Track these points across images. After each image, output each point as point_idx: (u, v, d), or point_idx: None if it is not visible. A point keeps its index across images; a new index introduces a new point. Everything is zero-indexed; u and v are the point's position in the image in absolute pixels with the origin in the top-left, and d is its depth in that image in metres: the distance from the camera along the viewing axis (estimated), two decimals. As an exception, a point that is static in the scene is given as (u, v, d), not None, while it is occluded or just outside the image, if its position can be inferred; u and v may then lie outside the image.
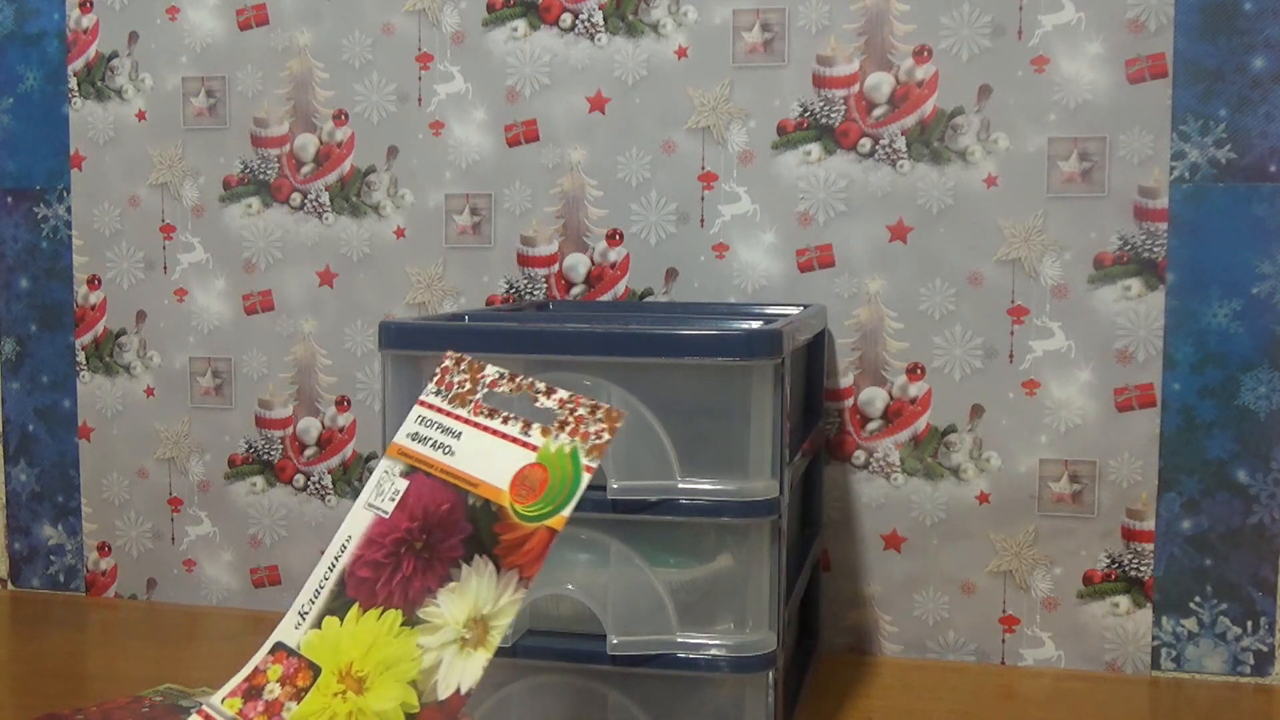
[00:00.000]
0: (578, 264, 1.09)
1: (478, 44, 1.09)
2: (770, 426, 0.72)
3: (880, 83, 1.01)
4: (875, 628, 1.05)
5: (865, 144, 1.02)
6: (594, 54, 1.07)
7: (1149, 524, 0.99)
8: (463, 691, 0.42)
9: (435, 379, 0.49)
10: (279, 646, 0.45)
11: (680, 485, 0.71)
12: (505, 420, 0.47)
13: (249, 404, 1.16)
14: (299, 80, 1.14)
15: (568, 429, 0.45)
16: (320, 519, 1.15)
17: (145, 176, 1.18)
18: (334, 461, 1.15)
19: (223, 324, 1.17)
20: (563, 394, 0.46)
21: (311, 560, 1.15)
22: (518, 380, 0.47)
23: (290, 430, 1.16)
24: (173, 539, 1.19)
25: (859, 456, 1.04)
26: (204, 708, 0.43)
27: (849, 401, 1.04)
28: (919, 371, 1.02)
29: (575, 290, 1.09)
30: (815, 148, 1.03)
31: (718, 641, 0.72)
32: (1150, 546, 0.99)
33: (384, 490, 0.47)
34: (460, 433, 0.47)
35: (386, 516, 0.47)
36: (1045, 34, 0.98)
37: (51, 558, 1.22)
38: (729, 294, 1.05)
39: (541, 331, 0.72)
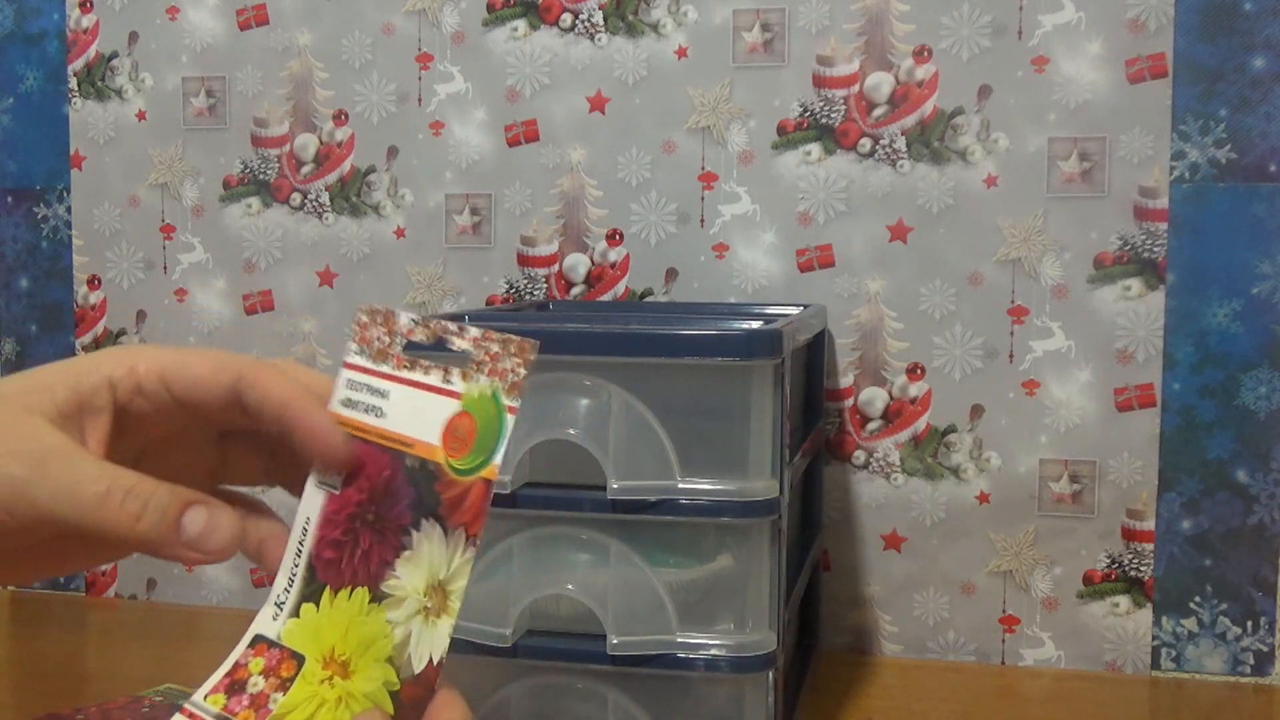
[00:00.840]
0: (578, 264, 1.09)
1: (478, 44, 1.09)
2: (770, 426, 0.72)
3: (880, 83, 1.01)
4: (875, 628, 1.05)
5: (865, 144, 1.02)
6: (594, 54, 1.07)
7: (1149, 524, 0.99)
8: (435, 662, 0.41)
9: (355, 337, 0.46)
10: (258, 639, 0.43)
11: (680, 485, 0.71)
12: (426, 370, 0.44)
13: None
14: (299, 80, 1.14)
15: (485, 369, 0.42)
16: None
17: (145, 176, 1.18)
18: (334, 461, 1.15)
19: (223, 324, 1.16)
20: (474, 331, 0.43)
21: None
22: (430, 324, 0.45)
23: None
24: (173, 539, 1.19)
25: (859, 456, 1.04)
26: (186, 706, 0.42)
27: (849, 401, 1.04)
28: (919, 371, 1.02)
29: (575, 290, 1.09)
30: (815, 148, 1.03)
31: (718, 641, 0.72)
32: (1150, 546, 0.99)
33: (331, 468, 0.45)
34: (387, 391, 0.44)
35: (337, 492, 0.45)
36: (1045, 34, 0.98)
37: (51, 558, 1.22)
38: (729, 294, 1.05)
39: (541, 331, 0.72)
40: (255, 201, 1.15)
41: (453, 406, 0.43)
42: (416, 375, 0.44)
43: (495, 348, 0.42)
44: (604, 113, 1.07)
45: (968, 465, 1.02)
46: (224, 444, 0.47)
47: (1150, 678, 0.99)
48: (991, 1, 0.99)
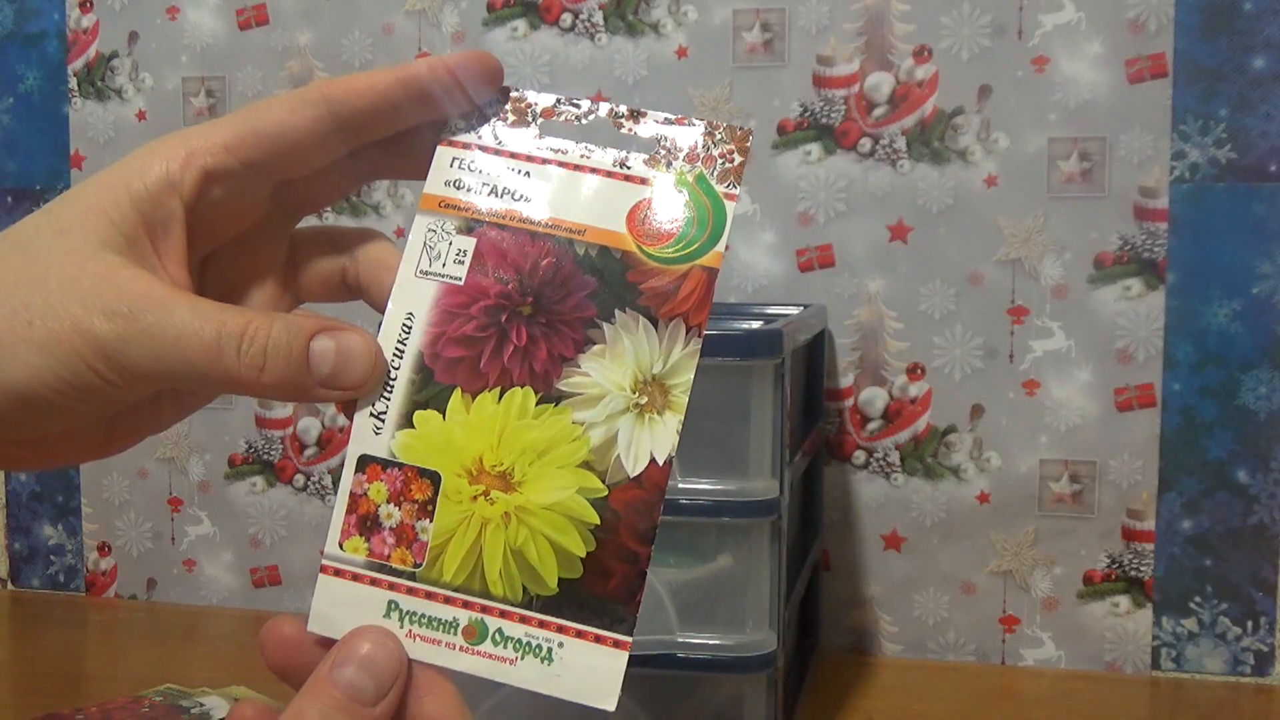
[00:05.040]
0: (578, 264, 1.08)
1: (478, 44, 1.09)
2: (770, 426, 0.72)
3: (880, 83, 1.01)
4: (875, 628, 1.05)
5: (865, 144, 1.02)
6: (594, 54, 1.07)
7: (1149, 524, 0.99)
8: (660, 460, 0.36)
9: (464, 116, 0.39)
10: (367, 460, 0.37)
11: (680, 485, 0.71)
12: (588, 152, 0.38)
13: (249, 404, 1.16)
14: (299, 80, 1.14)
15: (682, 155, 0.38)
16: (320, 519, 1.15)
17: (145, 176, 1.18)
18: (334, 461, 1.15)
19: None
20: (657, 114, 0.38)
21: (312, 560, 1.15)
22: (584, 105, 0.39)
23: (290, 430, 1.16)
24: (173, 539, 1.19)
25: (859, 456, 1.04)
26: (326, 563, 0.36)
27: (849, 401, 1.04)
28: (919, 371, 1.02)
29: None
30: (815, 148, 1.03)
31: (718, 641, 0.72)
32: (1150, 546, 0.99)
33: (439, 253, 0.39)
34: (526, 171, 0.39)
35: (459, 283, 0.38)
36: (1045, 34, 0.98)
37: (51, 558, 1.22)
38: (729, 294, 1.05)
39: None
40: (255, 201, 1.15)
41: (639, 193, 0.39)
42: (573, 158, 0.39)
43: (696, 134, 0.38)
44: (604, 113, 1.07)
45: (968, 465, 1.02)
46: (294, 250, 0.41)
47: (1150, 678, 0.99)
48: (991, 1, 0.99)
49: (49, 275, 0.34)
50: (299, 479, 1.15)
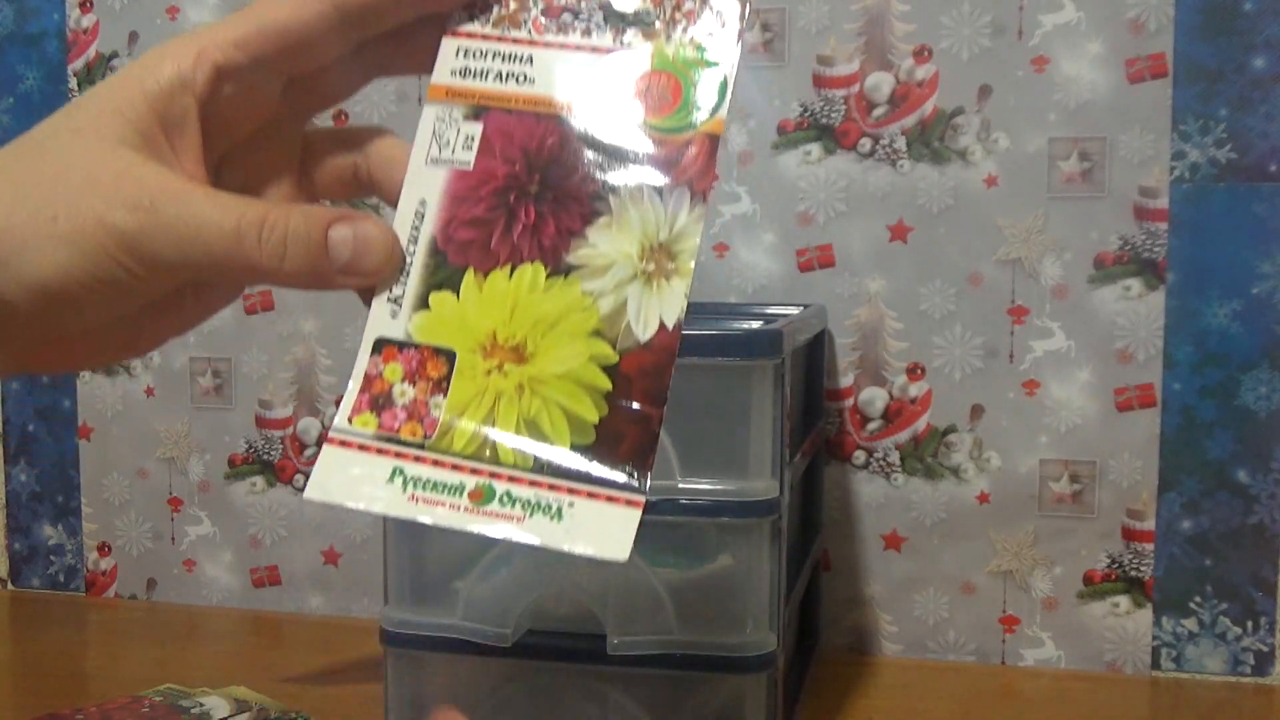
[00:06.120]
0: (578, 264, 1.08)
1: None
2: (770, 426, 0.72)
3: (880, 83, 1.01)
4: (875, 628, 1.05)
5: (865, 144, 1.02)
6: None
7: (1149, 524, 0.99)
8: (669, 325, 0.36)
9: (467, 8, 0.40)
10: (383, 343, 0.38)
11: (680, 485, 0.71)
12: (587, 32, 0.40)
13: (249, 404, 1.16)
14: (299, 80, 1.13)
15: (679, 26, 0.39)
16: (320, 519, 1.15)
17: (145, 176, 1.18)
18: (334, 461, 1.15)
19: (223, 324, 1.16)
20: None
21: (312, 560, 1.15)
22: None
23: (290, 430, 1.16)
24: (173, 539, 1.19)
25: (859, 456, 1.04)
26: (333, 435, 0.37)
27: (849, 401, 1.04)
28: (919, 371, 1.02)
29: (575, 290, 1.09)
30: (815, 148, 1.03)
31: (718, 641, 0.72)
32: (1150, 546, 0.99)
33: (448, 141, 0.40)
34: (529, 56, 0.40)
35: (468, 168, 0.39)
36: (1045, 34, 0.98)
37: (51, 558, 1.22)
38: (729, 294, 1.05)
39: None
40: (255, 201, 1.15)
41: (639, 66, 0.39)
42: (574, 39, 0.40)
43: (690, 4, 0.39)
44: (604, 113, 1.07)
45: (968, 465, 1.02)
46: (307, 149, 0.43)
47: (1150, 678, 0.99)
48: (991, 1, 0.99)
49: (68, 173, 0.35)
50: (299, 479, 1.15)
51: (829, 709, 0.91)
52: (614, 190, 0.38)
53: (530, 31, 0.40)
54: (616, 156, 0.38)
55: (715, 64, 0.40)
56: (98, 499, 1.21)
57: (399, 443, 0.37)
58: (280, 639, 1.10)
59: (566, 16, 0.41)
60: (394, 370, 0.38)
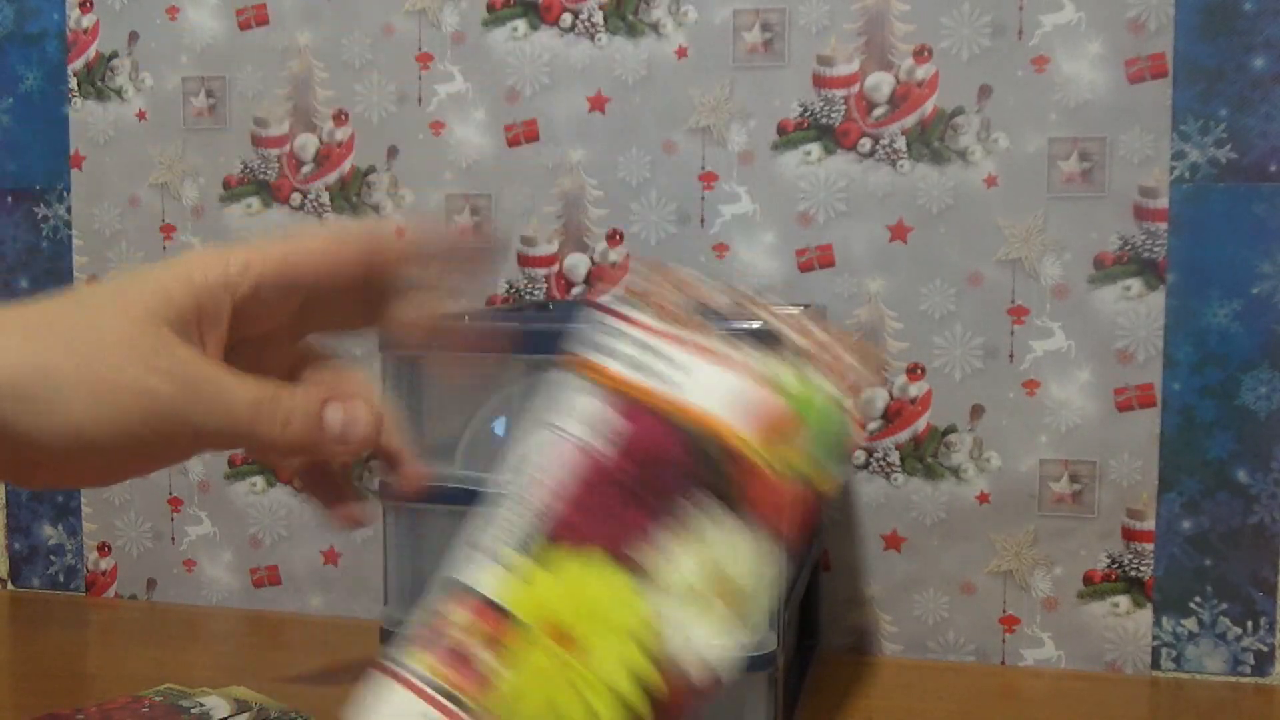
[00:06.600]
0: (578, 264, 1.09)
1: (478, 44, 1.09)
2: (770, 427, 0.72)
3: (880, 83, 1.01)
4: (875, 628, 1.05)
5: (865, 144, 1.02)
6: (594, 54, 1.07)
7: (1149, 524, 0.99)
8: (701, 666, 0.36)
9: (635, 293, 0.41)
10: (463, 589, 0.37)
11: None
12: (734, 345, 0.40)
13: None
14: (299, 80, 1.14)
15: (823, 368, 0.39)
16: (320, 519, 1.15)
17: (145, 176, 1.18)
18: (334, 461, 1.15)
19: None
20: (811, 326, 0.39)
21: (312, 560, 1.15)
22: (741, 298, 0.41)
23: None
24: (173, 539, 1.19)
25: (859, 456, 1.04)
26: (390, 665, 0.37)
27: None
28: (919, 371, 1.02)
29: (576, 290, 1.09)
30: (815, 148, 1.03)
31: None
32: (1150, 546, 0.99)
33: (597, 428, 0.39)
34: (684, 360, 0.40)
35: (607, 463, 0.39)
36: (1045, 34, 0.98)
37: (51, 558, 1.22)
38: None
39: (541, 331, 0.72)
40: (255, 202, 1.15)
41: (774, 398, 0.39)
42: (717, 345, 0.40)
43: (839, 349, 0.39)
44: (604, 113, 1.07)
45: (968, 465, 1.02)
46: (299, 356, 0.47)
47: (1150, 678, 0.99)
48: (991, 1, 0.99)
49: (113, 335, 0.38)
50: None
51: (829, 709, 0.91)
52: (694, 500, 0.38)
53: (684, 330, 0.41)
54: (710, 471, 0.38)
55: (844, 422, 0.39)
56: (97, 499, 1.21)
57: (453, 699, 0.37)
58: (280, 639, 1.10)
59: (720, 324, 0.41)
60: (469, 623, 0.37)
